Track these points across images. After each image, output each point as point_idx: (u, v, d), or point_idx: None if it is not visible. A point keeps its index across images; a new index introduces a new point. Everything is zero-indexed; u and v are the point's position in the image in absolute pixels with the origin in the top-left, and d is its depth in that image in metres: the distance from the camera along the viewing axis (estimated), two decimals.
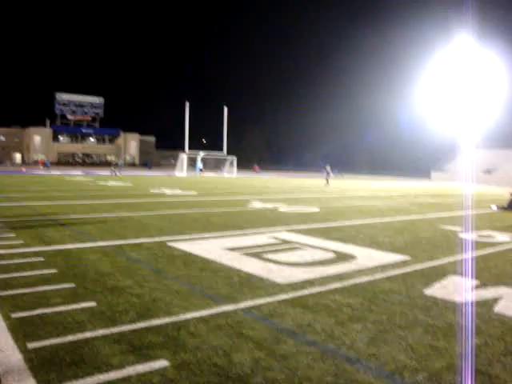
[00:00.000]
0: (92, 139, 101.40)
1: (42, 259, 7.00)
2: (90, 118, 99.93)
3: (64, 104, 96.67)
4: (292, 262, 7.32)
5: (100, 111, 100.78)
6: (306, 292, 5.74)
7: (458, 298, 5.67)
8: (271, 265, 7.10)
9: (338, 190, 30.22)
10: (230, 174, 60.32)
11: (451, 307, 5.32)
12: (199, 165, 59.01)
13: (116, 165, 49.35)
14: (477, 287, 6.23)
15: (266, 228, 11.03)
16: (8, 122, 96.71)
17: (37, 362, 3.59)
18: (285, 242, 9.18)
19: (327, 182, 37.45)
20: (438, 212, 17.01)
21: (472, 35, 56.33)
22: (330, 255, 8.01)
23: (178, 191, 24.04)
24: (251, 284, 6.02)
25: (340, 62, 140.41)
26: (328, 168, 38.90)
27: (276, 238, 9.52)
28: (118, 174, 43.98)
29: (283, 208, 16.34)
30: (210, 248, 8.32)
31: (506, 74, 62.64)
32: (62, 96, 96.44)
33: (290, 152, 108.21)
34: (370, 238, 10.00)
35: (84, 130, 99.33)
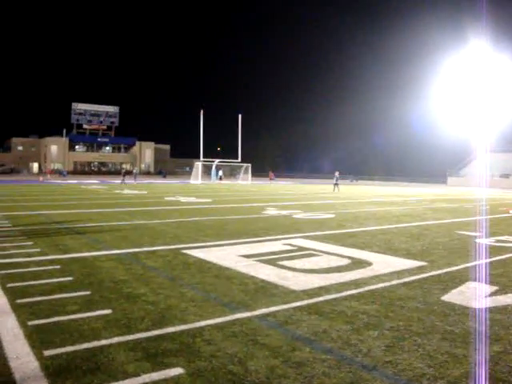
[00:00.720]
0: (108, 148, 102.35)
1: (58, 267, 7.06)
2: (105, 127, 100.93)
3: (80, 113, 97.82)
4: (307, 269, 7.28)
5: (115, 120, 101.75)
6: (321, 299, 5.70)
7: (476, 304, 5.58)
8: (286, 272, 7.07)
9: (353, 196, 30.08)
10: (245, 181, 60.37)
11: (469, 313, 5.24)
12: (219, 173, 59.25)
13: (126, 173, 49.33)
14: (495, 293, 6.13)
15: (281, 235, 11.00)
16: (25, 133, 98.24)
17: (53, 370, 3.60)
18: (300, 248, 9.14)
19: (336, 187, 37.91)
20: (455, 217, 16.82)
21: (486, 38, 55.90)
22: (346, 261, 7.96)
23: (192, 199, 24.12)
24: (266, 291, 6.00)
25: (354, 67, 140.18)
26: (337, 174, 39.49)
27: (291, 245, 9.48)
28: (126, 182, 43.89)
29: (298, 214, 16.30)
30: (225, 255, 8.31)
31: None
32: (78, 106, 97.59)
33: (305, 158, 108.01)
34: (385, 244, 9.92)
35: (100, 139, 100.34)
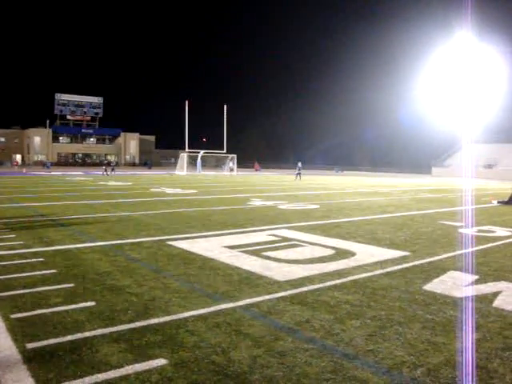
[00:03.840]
0: (92, 139, 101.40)
1: (41, 260, 7.01)
2: (89, 118, 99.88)
3: (63, 104, 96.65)
4: (291, 259, 7.32)
5: (99, 111, 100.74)
6: (305, 289, 5.74)
7: (457, 293, 5.67)
8: (270, 262, 7.10)
9: (338, 187, 30.22)
10: (231, 172, 60.30)
11: (450, 302, 5.32)
12: (230, 164, 59.29)
13: (108, 164, 48.78)
14: (476, 282, 6.23)
15: (266, 225, 11.03)
16: (8, 124, 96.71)
17: (36, 362, 3.60)
18: (284, 239, 9.18)
19: (298, 177, 40.27)
20: (439, 207, 17.00)
21: (471, 30, 56.20)
22: (330, 252, 8.02)
23: (178, 190, 24.05)
24: (250, 282, 6.03)
25: (340, 59, 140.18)
26: (299, 164, 41.78)
27: (275, 236, 9.52)
28: (109, 173, 43.38)
29: (283, 205, 16.35)
30: (210, 246, 8.32)
31: (506, 69, 62.52)
32: (62, 96, 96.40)
33: (290, 149, 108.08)
34: (369, 234, 10.01)
35: (84, 131, 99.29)
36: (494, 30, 69.34)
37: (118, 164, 50.96)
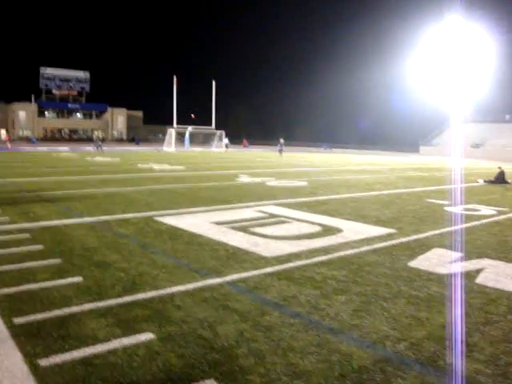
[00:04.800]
0: (79, 115, 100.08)
1: (28, 236, 6.98)
2: (76, 93, 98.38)
3: (49, 79, 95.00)
4: (278, 236, 7.37)
5: (86, 86, 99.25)
6: (291, 265, 5.80)
7: (441, 270, 5.76)
8: (258, 238, 7.14)
9: (326, 164, 30.28)
10: (219, 149, 60.08)
11: (434, 279, 5.41)
12: (225, 140, 59.01)
13: (97, 140, 48.23)
14: (460, 259, 6.32)
15: (254, 202, 11.05)
16: None
17: (23, 337, 3.61)
18: (272, 215, 9.22)
19: (280, 153, 41.68)
20: (425, 186, 17.13)
21: (462, 9, 55.95)
22: (317, 228, 8.07)
23: (166, 166, 23.94)
24: (237, 257, 6.06)
25: (330, 38, 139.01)
26: (281, 141, 43.30)
27: (263, 212, 9.55)
28: (102, 149, 42.86)
29: (271, 182, 16.37)
30: (197, 222, 8.34)
31: (496, 49, 62.52)
32: (47, 70, 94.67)
33: (279, 127, 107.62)
34: (356, 212, 10.08)
35: (70, 106, 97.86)
36: (485, 8, 69.00)
37: (103, 139, 50.49)
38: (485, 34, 61.37)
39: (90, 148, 46.46)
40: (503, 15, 68.10)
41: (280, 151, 42.50)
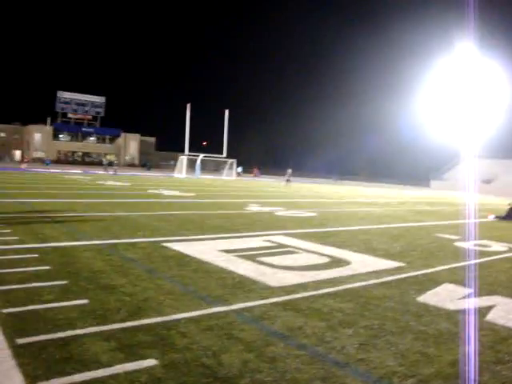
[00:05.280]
0: (92, 138, 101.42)
1: (36, 256, 6.99)
2: (90, 117, 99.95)
3: (65, 102, 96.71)
4: (286, 266, 7.31)
5: (101, 110, 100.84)
6: (298, 296, 5.73)
7: (450, 306, 5.67)
8: (265, 268, 7.09)
9: (335, 196, 30.24)
10: (229, 177, 60.33)
11: (443, 314, 5.32)
12: (239, 169, 60.32)
13: (109, 164, 49.24)
14: (470, 296, 6.22)
15: (262, 231, 11.02)
16: (8, 120, 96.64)
17: (25, 358, 3.58)
18: (280, 245, 9.17)
19: (286, 183, 42.60)
20: (436, 220, 17.01)
21: (474, 43, 56.45)
22: (325, 260, 8.01)
23: (176, 192, 24.04)
24: (244, 286, 6.01)
25: (342, 68, 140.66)
26: (289, 171, 45.15)
27: (271, 242, 9.51)
28: (111, 172, 43.60)
29: (280, 212, 16.34)
30: (205, 249, 8.31)
31: (508, 84, 62.78)
32: (64, 94, 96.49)
33: (291, 157, 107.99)
34: (365, 244, 10.00)
35: (85, 129, 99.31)
36: (497, 43, 69.65)
37: (112, 164, 51.80)
38: (497, 67, 61.74)
39: (102, 171, 46.93)
40: None
41: (287, 181, 43.07)
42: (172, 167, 73.65)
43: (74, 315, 4.56)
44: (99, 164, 67.99)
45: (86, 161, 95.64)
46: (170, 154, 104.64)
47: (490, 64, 61.15)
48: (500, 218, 18.70)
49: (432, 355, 4.11)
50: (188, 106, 56.97)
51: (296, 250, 8.69)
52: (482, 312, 5.49)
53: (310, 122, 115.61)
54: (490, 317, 5.33)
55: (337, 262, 7.86)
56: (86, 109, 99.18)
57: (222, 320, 4.68)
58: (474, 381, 3.65)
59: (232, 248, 8.58)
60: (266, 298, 5.56)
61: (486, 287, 6.71)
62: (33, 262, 6.62)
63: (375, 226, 13.66)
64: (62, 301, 4.96)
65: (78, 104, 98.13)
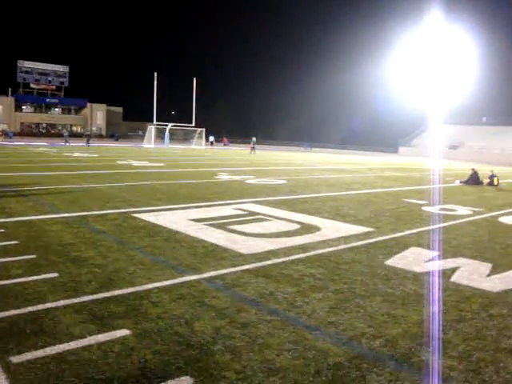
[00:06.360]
0: (57, 109, 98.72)
1: (2, 231, 6.86)
2: (54, 88, 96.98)
3: (27, 72, 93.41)
4: (257, 233, 7.37)
5: (65, 80, 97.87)
6: (269, 262, 5.80)
7: (417, 269, 5.83)
8: (236, 236, 7.13)
9: (306, 163, 30.39)
10: (199, 146, 59.89)
11: (411, 277, 5.47)
12: (210, 138, 60.43)
13: (88, 135, 48.86)
14: (436, 258, 6.40)
15: (233, 200, 11.04)
16: None
17: None
18: (250, 213, 9.22)
19: (252, 151, 43.76)
20: (404, 186, 17.32)
21: (441, 12, 56.67)
22: (295, 226, 8.10)
23: (145, 163, 23.77)
24: (215, 254, 6.05)
25: (311, 39, 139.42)
26: (254, 139, 47.01)
27: (242, 210, 9.55)
28: (68, 144, 43.37)
29: (250, 180, 16.37)
30: (176, 219, 8.29)
31: (474, 51, 63.47)
32: (25, 64, 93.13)
33: (261, 126, 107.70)
34: (335, 210, 10.13)
35: (48, 100, 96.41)
36: (464, 11, 69.98)
37: (70, 135, 51.52)
38: (464, 36, 62.25)
39: (65, 144, 46.21)
40: (482, 17, 69.20)
41: (252, 149, 44.18)
42: (140, 137, 72.57)
43: (43, 289, 4.52)
44: (69, 136, 66.41)
45: (52, 132, 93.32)
46: (138, 124, 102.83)
47: (457, 31, 61.58)
48: (464, 182, 19.16)
49: (399, 316, 4.24)
50: (155, 74, 55.96)
51: (267, 218, 8.75)
52: (447, 273, 5.67)
53: (281, 91, 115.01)
54: (454, 278, 5.51)
55: (307, 229, 7.96)
56: (49, 79, 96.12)
57: (194, 288, 4.71)
58: (439, 339, 3.79)
59: (203, 217, 8.58)
60: (238, 265, 5.61)
61: (451, 250, 6.91)
62: (0, 237, 6.50)
63: (345, 193, 13.83)
64: (32, 275, 4.90)
65: (40, 74, 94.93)
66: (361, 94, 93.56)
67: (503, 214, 10.80)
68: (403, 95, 69.39)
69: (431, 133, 67.80)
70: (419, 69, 65.02)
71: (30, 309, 4.02)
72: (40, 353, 3.28)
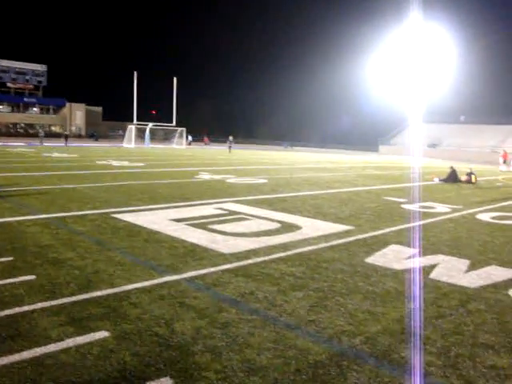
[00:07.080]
0: (35, 109, 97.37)
1: None
2: (32, 87, 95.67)
3: (3, 71, 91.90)
4: (237, 233, 7.36)
5: (43, 79, 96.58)
6: (250, 261, 5.80)
7: (397, 266, 5.88)
8: (216, 235, 7.11)
9: (287, 162, 30.46)
10: (179, 146, 59.60)
11: (390, 274, 5.51)
12: (189, 137, 60.36)
13: (67, 136, 48.64)
14: (415, 255, 6.47)
15: (213, 199, 11.01)
16: None
17: None
18: (231, 212, 9.20)
19: (229, 150, 44.93)
20: (383, 184, 17.46)
21: (421, 12, 57.19)
22: (276, 225, 8.10)
23: (125, 163, 23.57)
24: (195, 254, 6.02)
25: (292, 38, 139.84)
26: (231, 138, 47.83)
27: (222, 209, 9.52)
28: (63, 144, 42.86)
29: (231, 179, 16.34)
30: (156, 219, 8.24)
31: (453, 51, 64.27)
32: (2, 62, 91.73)
33: (242, 125, 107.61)
34: (315, 209, 10.17)
35: (26, 99, 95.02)
36: (444, 11, 70.86)
37: (67, 136, 51.12)
38: (443, 35, 62.98)
39: (43, 144, 45.71)
40: (461, 16, 70.10)
41: (229, 148, 45.48)
42: (120, 137, 71.97)
43: (20, 292, 4.45)
44: (44, 136, 65.33)
45: (30, 132, 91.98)
46: (118, 123, 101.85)
47: (436, 31, 62.26)
48: (444, 180, 19.39)
49: (379, 313, 4.27)
50: (135, 73, 55.49)
51: (247, 217, 8.74)
52: (426, 270, 5.73)
53: (261, 91, 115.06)
54: (433, 274, 5.56)
55: (288, 228, 7.98)
56: (27, 78, 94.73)
57: (174, 289, 4.68)
58: (419, 335, 3.83)
59: (183, 217, 8.54)
60: (218, 265, 5.59)
61: (430, 247, 6.99)
62: None
63: (325, 191, 13.89)
64: (8, 278, 4.82)
65: (17, 73, 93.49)
66: (342, 94, 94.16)
67: (480, 212, 10.96)
68: (383, 94, 69.96)
69: (411, 131, 68.48)
70: (399, 68, 65.59)
71: (7, 312, 3.95)
72: (16, 357, 3.23)
